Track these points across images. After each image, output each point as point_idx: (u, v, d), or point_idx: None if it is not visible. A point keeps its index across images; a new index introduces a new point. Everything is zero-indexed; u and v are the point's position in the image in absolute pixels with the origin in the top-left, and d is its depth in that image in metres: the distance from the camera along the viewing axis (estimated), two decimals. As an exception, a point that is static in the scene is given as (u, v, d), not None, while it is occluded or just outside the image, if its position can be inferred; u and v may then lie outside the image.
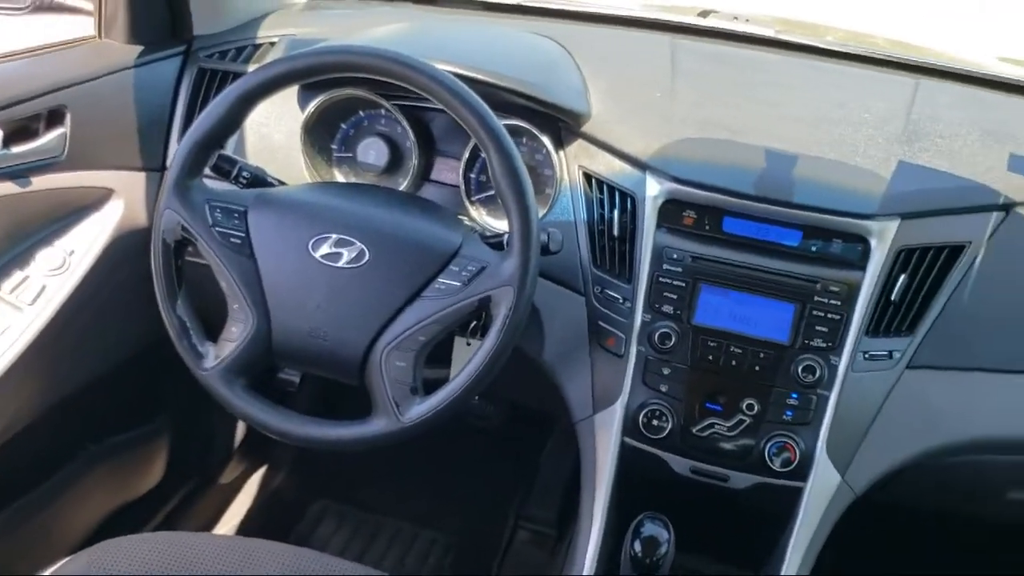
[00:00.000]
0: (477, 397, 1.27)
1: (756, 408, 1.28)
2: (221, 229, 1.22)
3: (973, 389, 1.30)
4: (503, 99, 1.40)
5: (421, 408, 1.17)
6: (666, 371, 1.31)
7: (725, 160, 1.36)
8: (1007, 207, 1.32)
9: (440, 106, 1.18)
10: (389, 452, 1.21)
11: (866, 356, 1.27)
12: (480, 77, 1.37)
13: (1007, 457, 1.35)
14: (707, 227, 1.32)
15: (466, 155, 1.46)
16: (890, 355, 1.28)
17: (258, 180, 1.32)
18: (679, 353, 1.31)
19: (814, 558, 1.31)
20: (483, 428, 2.21)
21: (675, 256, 1.31)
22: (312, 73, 1.21)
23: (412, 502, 2.13)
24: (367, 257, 1.19)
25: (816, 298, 1.27)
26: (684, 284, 1.31)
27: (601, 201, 1.37)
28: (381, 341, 1.17)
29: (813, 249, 1.29)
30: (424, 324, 1.17)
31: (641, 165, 1.34)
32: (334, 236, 1.20)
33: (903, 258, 1.27)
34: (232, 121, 1.22)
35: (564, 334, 1.38)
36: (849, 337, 1.26)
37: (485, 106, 1.17)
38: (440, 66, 1.20)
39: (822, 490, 1.29)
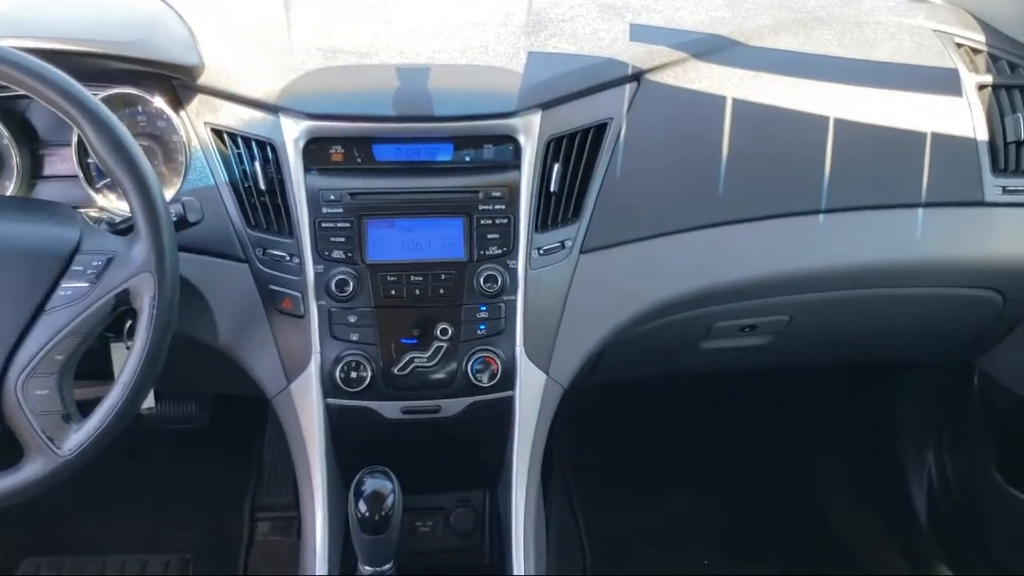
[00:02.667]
0: (154, 405, 1.14)
1: (450, 331, 1.24)
2: None
3: (646, 257, 1.33)
4: (101, 67, 1.24)
5: (80, 435, 1.02)
6: (352, 318, 1.24)
7: (359, 86, 1.29)
8: (637, 76, 1.35)
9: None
10: (93, 481, 1.06)
11: (541, 252, 1.27)
12: (63, 47, 1.20)
13: (692, 312, 1.41)
14: (358, 159, 1.25)
15: (75, 139, 1.28)
16: (562, 245, 1.28)
17: None
18: (361, 297, 1.24)
19: (540, 457, 1.32)
20: (194, 429, 2.05)
21: (332, 197, 1.23)
22: None
23: (133, 529, 1.94)
24: None
25: (481, 207, 1.24)
26: (349, 224, 1.23)
27: (239, 156, 1.26)
28: (11, 373, 1.01)
29: (467, 159, 1.26)
30: (57, 341, 1.01)
31: (272, 108, 1.25)
32: None
33: (553, 148, 1.27)
34: None
35: (234, 309, 1.27)
36: (521, 238, 1.25)
37: (65, 78, 1.02)
38: (8, 43, 1.03)
39: (531, 393, 1.29)
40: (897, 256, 1.42)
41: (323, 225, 1.23)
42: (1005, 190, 1.39)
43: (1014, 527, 1.73)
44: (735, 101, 1.36)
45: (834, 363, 1.93)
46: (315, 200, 1.23)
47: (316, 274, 1.24)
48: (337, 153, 1.24)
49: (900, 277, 1.45)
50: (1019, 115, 1.39)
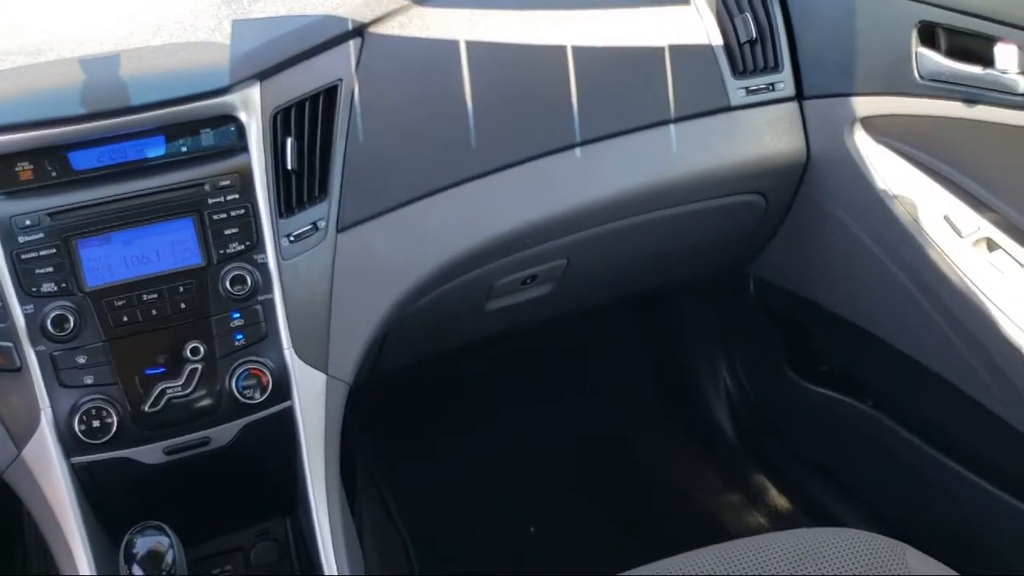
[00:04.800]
0: None
1: (203, 349, 1.09)
2: None
3: (409, 225, 1.23)
4: None
5: None
6: (81, 359, 1.05)
7: (37, 87, 1.11)
8: (359, 31, 1.23)
9: None
10: None
11: (291, 239, 1.13)
12: None
13: (470, 275, 1.33)
14: (53, 173, 1.06)
15: None
16: (315, 227, 1.15)
17: None
18: (87, 332, 1.05)
19: (336, 465, 1.18)
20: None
21: (28, 223, 1.04)
22: None
23: None
24: None
25: (211, 201, 1.09)
26: (55, 249, 1.05)
27: None
28: None
29: (184, 150, 1.10)
30: None
31: None
32: None
33: (282, 121, 1.14)
34: None
35: (-69, 377, 1.05)
36: (264, 228, 1.11)
37: None
38: None
39: (312, 398, 1.14)
40: (657, 176, 1.39)
41: (23, 257, 1.04)
42: (748, 91, 1.39)
43: (814, 419, 1.78)
44: (468, 44, 1.28)
45: (618, 297, 1.92)
46: (8, 229, 1.04)
47: (26, 315, 1.04)
48: (25, 170, 1.05)
49: (664, 197, 1.42)
50: (747, 15, 1.39)
